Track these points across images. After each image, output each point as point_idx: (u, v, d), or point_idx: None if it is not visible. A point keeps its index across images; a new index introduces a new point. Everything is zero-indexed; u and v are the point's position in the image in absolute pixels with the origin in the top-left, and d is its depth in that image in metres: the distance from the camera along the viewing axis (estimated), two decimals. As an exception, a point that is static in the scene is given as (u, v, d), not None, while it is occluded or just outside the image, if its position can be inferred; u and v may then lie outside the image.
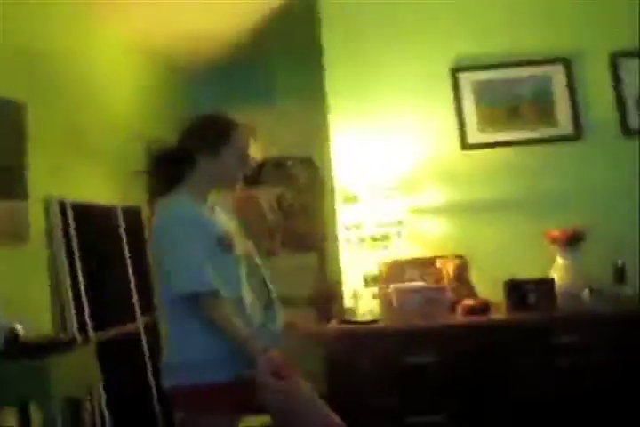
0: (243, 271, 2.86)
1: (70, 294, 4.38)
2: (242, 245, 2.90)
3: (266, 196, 5.95)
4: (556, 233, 4.05)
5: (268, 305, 2.92)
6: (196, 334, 2.74)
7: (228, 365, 2.71)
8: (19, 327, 3.53)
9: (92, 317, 4.51)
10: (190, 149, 2.89)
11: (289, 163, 6.37)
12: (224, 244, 2.81)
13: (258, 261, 2.98)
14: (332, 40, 4.52)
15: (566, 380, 3.68)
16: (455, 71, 4.41)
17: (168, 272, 2.76)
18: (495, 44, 4.42)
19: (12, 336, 3.49)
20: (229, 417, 2.78)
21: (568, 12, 4.41)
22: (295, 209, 6.29)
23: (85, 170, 4.89)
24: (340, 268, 4.41)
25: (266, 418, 2.88)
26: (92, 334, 4.48)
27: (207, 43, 5.91)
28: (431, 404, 3.73)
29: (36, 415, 3.62)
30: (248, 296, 2.84)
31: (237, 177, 2.94)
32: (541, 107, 4.38)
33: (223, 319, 2.70)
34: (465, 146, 4.39)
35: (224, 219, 2.95)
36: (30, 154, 4.18)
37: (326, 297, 5.05)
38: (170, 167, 2.93)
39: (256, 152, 2.95)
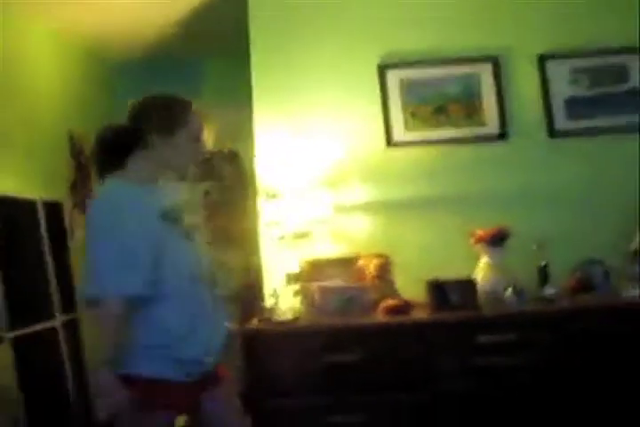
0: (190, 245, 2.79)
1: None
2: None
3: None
4: (480, 232, 4.04)
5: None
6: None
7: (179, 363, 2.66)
8: None
9: (8, 314, 4.40)
10: (142, 130, 2.75)
11: (214, 158, 6.31)
12: (169, 218, 2.73)
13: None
14: (259, 36, 4.45)
15: (486, 379, 3.65)
16: (382, 68, 4.37)
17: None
18: (423, 42, 4.39)
19: None
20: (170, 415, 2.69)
21: (498, 12, 4.41)
22: (220, 205, 6.24)
23: (6, 162, 4.78)
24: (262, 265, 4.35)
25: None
26: (6, 332, 4.36)
27: (135, 34, 5.84)
28: (352, 404, 3.67)
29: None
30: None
31: (190, 160, 2.87)
32: (468, 106, 4.36)
33: (108, 322, 2.57)
34: (390, 143, 4.35)
35: (175, 194, 2.88)
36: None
37: (250, 295, 4.98)
38: (117, 149, 2.78)
39: (208, 139, 2.87)
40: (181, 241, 2.76)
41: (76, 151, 5.68)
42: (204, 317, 2.75)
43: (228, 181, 6.28)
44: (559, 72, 4.36)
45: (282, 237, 4.00)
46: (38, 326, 4.74)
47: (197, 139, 2.83)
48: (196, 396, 2.74)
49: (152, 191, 2.78)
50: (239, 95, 4.83)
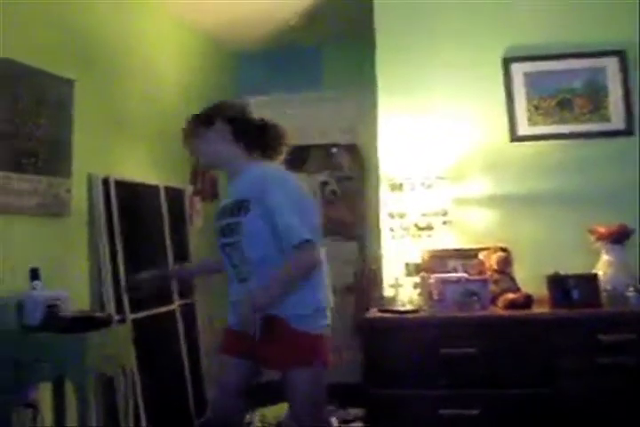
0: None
1: (109, 271, 4.39)
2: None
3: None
4: (602, 230, 3.97)
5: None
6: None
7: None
8: (58, 302, 3.54)
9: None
10: None
11: (334, 150, 6.33)
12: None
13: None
14: (384, 27, 4.46)
15: (606, 378, 3.59)
16: (507, 61, 4.33)
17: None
18: (548, 35, 4.32)
19: (52, 310, 3.50)
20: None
21: (624, 3, 4.30)
22: (338, 196, 6.25)
23: (130, 149, 4.90)
24: (381, 256, 4.36)
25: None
26: (128, 312, 4.48)
27: (257, 24, 5.90)
28: (466, 397, 3.66)
29: (70, 391, 3.63)
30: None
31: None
32: (593, 100, 4.28)
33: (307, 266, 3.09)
34: (514, 137, 4.31)
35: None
36: (76, 131, 4.19)
37: (366, 286, 5.01)
38: None
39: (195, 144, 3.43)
40: None
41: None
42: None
43: (346, 171, 6.30)
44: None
45: (405, 229, 4.01)
46: (157, 310, 4.87)
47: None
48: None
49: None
50: (360, 85, 4.83)
